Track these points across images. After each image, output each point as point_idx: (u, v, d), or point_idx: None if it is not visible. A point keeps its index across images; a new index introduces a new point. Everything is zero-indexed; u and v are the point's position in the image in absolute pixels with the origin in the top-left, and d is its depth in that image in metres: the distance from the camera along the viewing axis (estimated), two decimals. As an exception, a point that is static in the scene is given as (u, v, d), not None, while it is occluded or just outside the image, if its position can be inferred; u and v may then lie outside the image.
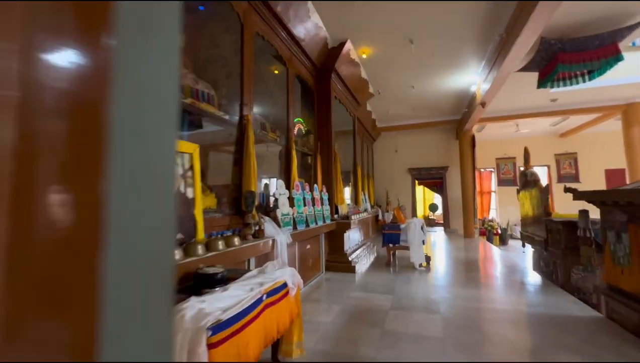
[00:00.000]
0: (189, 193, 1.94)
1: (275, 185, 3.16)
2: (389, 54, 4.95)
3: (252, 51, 2.80)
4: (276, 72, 3.97)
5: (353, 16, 3.92)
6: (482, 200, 10.84)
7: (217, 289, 1.51)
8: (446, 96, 7.08)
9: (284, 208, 2.96)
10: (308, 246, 3.68)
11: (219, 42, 2.89)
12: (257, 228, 2.50)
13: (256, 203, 2.57)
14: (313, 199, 3.79)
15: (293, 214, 3.14)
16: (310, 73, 4.41)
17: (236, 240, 2.06)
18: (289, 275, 1.85)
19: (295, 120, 4.49)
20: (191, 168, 1.98)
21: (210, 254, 1.78)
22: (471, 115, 7.10)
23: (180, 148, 1.90)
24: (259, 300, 1.49)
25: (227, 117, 2.55)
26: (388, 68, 5.48)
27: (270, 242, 2.50)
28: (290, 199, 3.22)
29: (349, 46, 4.42)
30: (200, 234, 1.97)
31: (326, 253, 4.36)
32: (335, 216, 4.52)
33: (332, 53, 4.42)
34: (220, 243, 1.90)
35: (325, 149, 4.64)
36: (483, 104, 6.03)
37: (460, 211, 8.63)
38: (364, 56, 4.87)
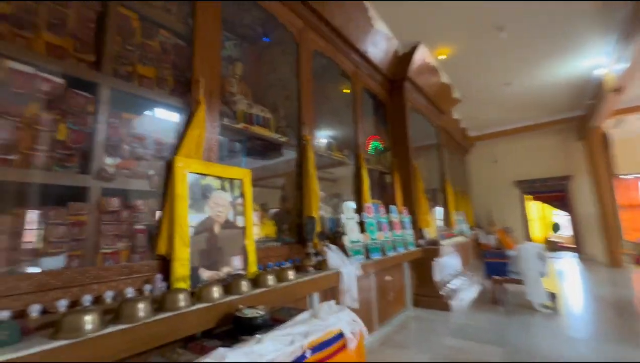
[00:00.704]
0: (239, 222, 1.81)
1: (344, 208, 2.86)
2: (473, 50, 4.26)
3: (309, 69, 2.68)
4: (347, 91, 3.78)
5: (423, 15, 3.49)
6: (631, 216, 8.20)
7: (256, 336, 1.27)
8: (558, 89, 5.72)
9: (352, 235, 2.61)
10: (388, 278, 3.20)
11: (277, 66, 2.88)
12: (319, 258, 2.22)
13: (318, 229, 2.31)
14: (390, 222, 3.33)
15: (365, 241, 2.76)
16: (381, 85, 4.08)
17: (290, 274, 1.81)
18: (347, 321, 1.48)
19: (373, 139, 4.19)
20: (242, 194, 1.86)
21: (256, 291, 1.57)
22: (600, 107, 5.54)
23: (229, 174, 1.81)
24: (301, 358, 1.18)
25: (283, 139, 2.43)
26: (474, 66, 4.72)
27: (336, 275, 2.17)
28: (362, 224, 2.86)
29: (422, 49, 3.96)
30: (252, 266, 1.80)
31: (413, 285, 3.75)
32: (421, 241, 3.91)
33: (402, 60, 4.02)
34: (269, 277, 1.68)
35: (404, 165, 4.15)
36: (619, 90, 4.60)
37: (597, 231, 6.65)
38: (442, 58, 4.31)
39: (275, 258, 2.07)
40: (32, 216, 1.15)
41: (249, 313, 1.33)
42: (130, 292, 1.28)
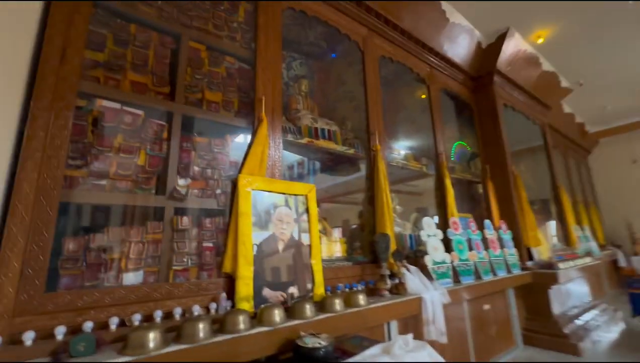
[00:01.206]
0: (304, 239, 1.72)
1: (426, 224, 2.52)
2: (586, 25, 3.45)
3: (376, 76, 2.52)
4: (424, 96, 3.49)
5: (511, -4, 2.99)
6: None
7: (318, 371, 1.12)
8: None
9: (436, 254, 2.26)
10: (486, 307, 2.67)
11: (344, 78, 2.81)
12: (395, 281, 1.96)
13: (393, 248, 2.07)
14: (485, 240, 2.82)
15: (452, 262, 2.36)
16: (463, 84, 3.63)
17: (361, 298, 1.62)
18: (428, 364, 1.21)
19: (456, 143, 3.76)
20: (307, 210, 1.79)
21: (321, 316, 1.43)
22: None
23: (293, 189, 1.76)
24: (366, 406, 0.98)
25: (351, 151, 2.30)
26: (590, 45, 3.82)
27: (416, 301, 1.88)
28: (447, 242, 2.47)
29: (512, 35, 3.39)
30: (319, 287, 1.68)
31: (521, 318, 3.06)
32: (529, 263, 3.20)
33: (488, 53, 3.51)
34: (337, 301, 1.52)
35: (500, 172, 3.53)
36: None
37: None
38: (541, 41, 3.61)
39: (346, 279, 1.91)
40: (117, 234, 1.27)
41: (310, 342, 1.19)
42: (197, 310, 1.30)
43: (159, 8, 1.56)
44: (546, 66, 4.08)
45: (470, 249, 2.60)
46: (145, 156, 1.39)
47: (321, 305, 1.52)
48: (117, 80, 1.40)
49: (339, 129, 2.35)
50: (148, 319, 1.21)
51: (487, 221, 2.96)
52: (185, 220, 1.43)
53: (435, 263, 2.22)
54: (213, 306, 1.35)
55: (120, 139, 1.34)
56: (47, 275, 1.08)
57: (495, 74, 3.58)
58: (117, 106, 1.35)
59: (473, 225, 2.78)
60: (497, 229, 3.06)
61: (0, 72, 1.10)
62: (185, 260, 1.40)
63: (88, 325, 1.07)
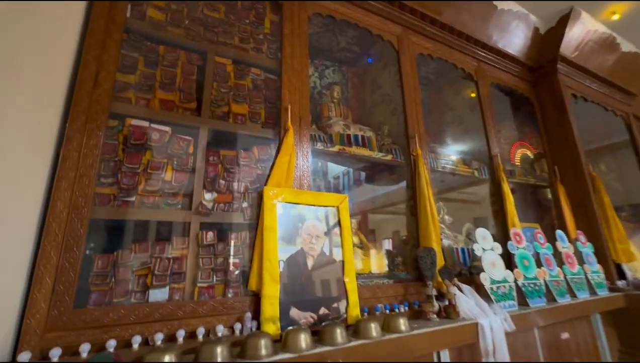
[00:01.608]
0: (336, 255, 1.59)
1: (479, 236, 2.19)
2: (677, -7, 2.85)
3: (414, 76, 2.33)
4: (473, 95, 3.19)
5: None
6: None
7: (347, 410, 0.97)
8: None
9: (494, 272, 1.94)
10: (565, 335, 2.22)
11: (380, 82, 2.65)
12: (444, 302, 1.71)
13: (441, 263, 1.82)
14: (558, 254, 2.38)
15: (516, 280, 2.01)
16: (519, 77, 3.22)
17: (402, 322, 1.42)
18: (485, 413, 0.97)
19: (518, 145, 3.36)
20: (339, 223, 1.66)
21: (354, 343, 1.26)
22: None
23: (323, 201, 1.65)
24: None
25: (388, 157, 2.12)
26: (684, 16, 3.14)
27: (471, 327, 1.61)
28: (509, 257, 2.13)
29: (577, 15, 2.93)
30: (354, 309, 1.51)
31: (614, 351, 2.49)
32: (620, 282, 2.63)
33: (549, 38, 3.07)
34: (372, 326, 1.34)
35: (571, 174, 3.02)
36: None
37: None
38: (616, 18, 3.06)
39: (386, 300, 1.71)
40: (143, 250, 1.28)
41: (338, 375, 1.05)
42: (221, 330, 1.24)
43: (186, 28, 1.60)
44: (626, 46, 3.46)
45: (539, 265, 2.20)
46: (172, 172, 1.40)
47: (355, 330, 1.35)
48: (147, 100, 1.45)
49: (374, 135, 2.20)
50: (171, 338, 1.17)
51: (559, 232, 2.51)
52: (211, 235, 1.40)
53: (494, 282, 1.91)
54: (238, 326, 1.28)
55: (148, 156, 1.37)
56: (76, 291, 1.10)
57: (560, 61, 3.12)
58: (145, 124, 1.38)
59: (541, 237, 2.37)
60: (573, 241, 2.58)
61: (40, 100, 1.18)
62: (210, 276, 1.35)
63: (111, 344, 1.05)
